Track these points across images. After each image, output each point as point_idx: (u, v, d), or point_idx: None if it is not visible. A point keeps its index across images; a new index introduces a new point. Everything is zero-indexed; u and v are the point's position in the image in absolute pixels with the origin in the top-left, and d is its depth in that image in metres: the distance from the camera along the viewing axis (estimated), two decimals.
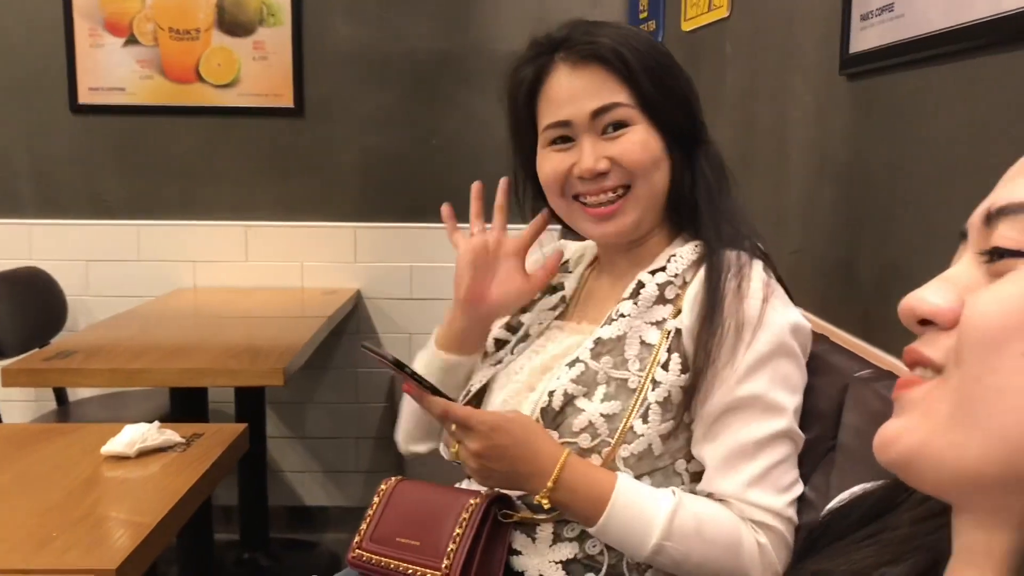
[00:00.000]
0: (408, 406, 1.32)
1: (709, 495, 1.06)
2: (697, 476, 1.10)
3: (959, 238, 0.52)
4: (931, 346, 0.47)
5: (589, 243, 1.29)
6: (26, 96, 2.94)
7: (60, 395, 2.80)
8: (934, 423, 0.45)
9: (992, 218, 0.48)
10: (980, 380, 0.44)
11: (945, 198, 1.09)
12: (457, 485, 1.24)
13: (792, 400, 1.06)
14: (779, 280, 1.12)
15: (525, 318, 1.29)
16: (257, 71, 2.94)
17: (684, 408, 1.07)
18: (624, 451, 1.07)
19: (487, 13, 2.98)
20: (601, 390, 1.09)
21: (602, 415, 1.08)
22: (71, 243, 2.98)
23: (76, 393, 2.86)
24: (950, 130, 1.08)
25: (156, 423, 1.40)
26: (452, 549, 1.05)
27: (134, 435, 1.35)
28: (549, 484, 1.04)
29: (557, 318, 1.25)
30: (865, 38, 1.26)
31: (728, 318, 1.05)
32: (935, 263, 1.11)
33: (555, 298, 1.28)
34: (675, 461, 1.10)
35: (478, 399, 1.25)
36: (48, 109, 2.95)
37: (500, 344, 1.29)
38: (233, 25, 2.92)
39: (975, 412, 0.44)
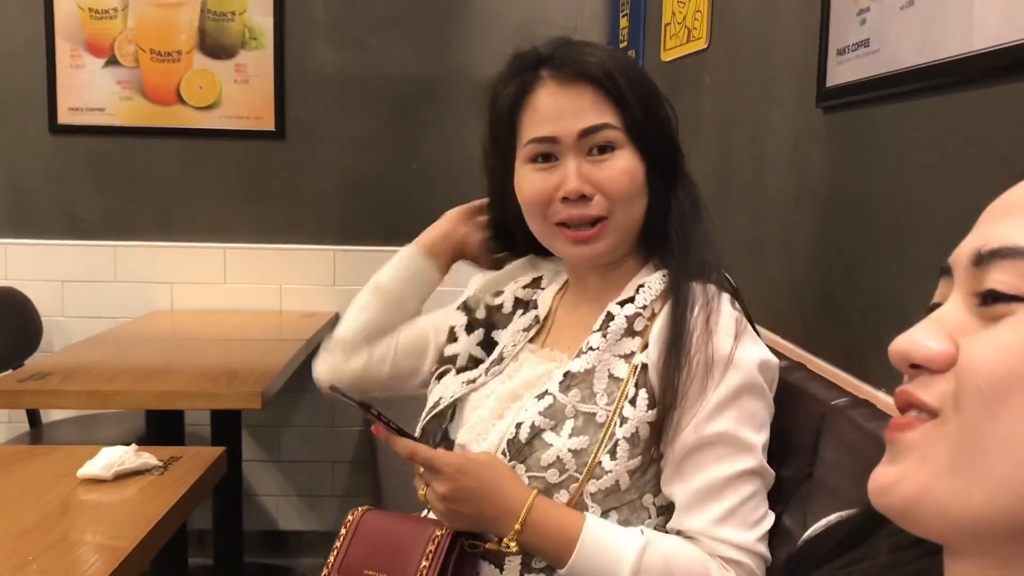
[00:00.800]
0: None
1: (678, 533, 1.06)
2: (664, 510, 1.09)
3: (939, 273, 0.52)
4: (925, 390, 0.47)
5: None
6: (5, 116, 2.93)
7: (33, 417, 2.77)
8: (933, 469, 0.45)
9: (984, 259, 0.47)
10: (981, 428, 0.44)
11: (920, 229, 1.11)
12: (425, 513, 1.24)
13: (760, 437, 1.06)
14: (746, 314, 1.12)
15: (499, 337, 1.28)
16: (238, 94, 2.95)
17: (652, 444, 1.06)
18: (592, 486, 1.07)
19: (467, 39, 3.00)
20: (569, 424, 1.08)
21: (570, 450, 1.07)
22: (47, 263, 2.96)
23: (49, 415, 2.83)
24: (924, 163, 1.10)
25: (133, 446, 1.40)
26: None
27: (111, 458, 1.34)
28: (516, 527, 1.03)
29: (531, 340, 1.24)
30: (841, 72, 1.29)
31: (696, 354, 1.04)
32: (911, 292, 1.13)
33: (529, 317, 1.26)
34: (643, 495, 1.09)
35: (444, 418, 1.24)
36: (27, 129, 2.94)
37: (474, 362, 1.28)
38: (215, 48, 2.93)
39: (977, 460, 0.44)
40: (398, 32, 2.98)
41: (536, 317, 1.26)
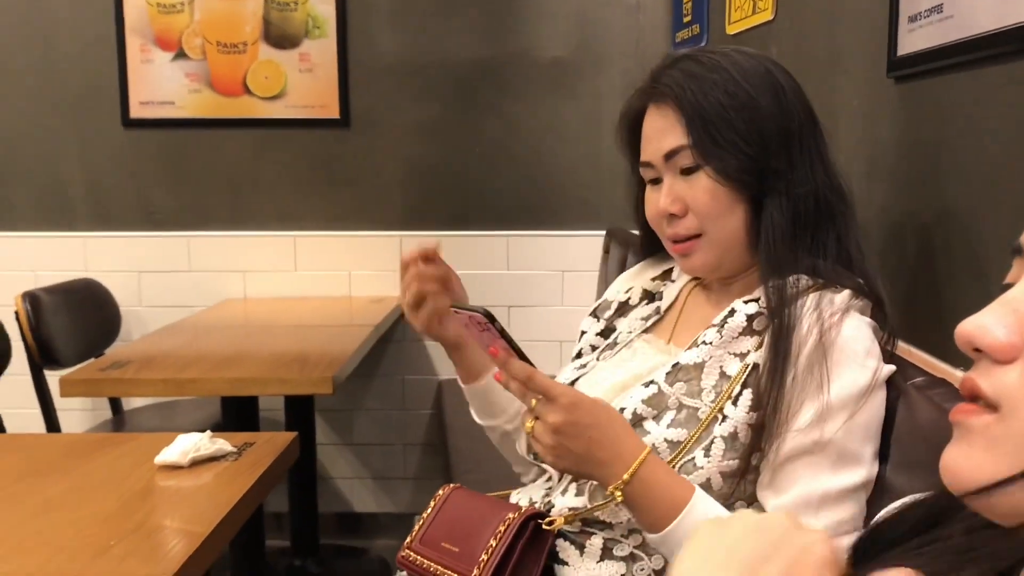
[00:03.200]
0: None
1: None
2: None
3: (1012, 252, 0.50)
4: (987, 378, 0.46)
5: None
6: (79, 111, 3.01)
7: (115, 404, 2.86)
8: (1000, 462, 0.45)
9: None
10: None
11: (997, 201, 1.07)
12: (512, 498, 1.25)
13: (868, 448, 1.02)
14: (886, 325, 1.08)
15: (618, 323, 1.29)
16: (303, 83, 2.98)
17: (752, 449, 1.04)
18: None
19: (528, 21, 2.99)
20: (670, 415, 1.07)
21: (666, 440, 1.06)
22: (124, 255, 3.04)
23: (130, 402, 2.92)
24: (1000, 133, 1.06)
25: (208, 432, 1.42)
26: (484, 559, 1.06)
27: (187, 445, 1.37)
28: (625, 476, 1.00)
29: (647, 330, 1.24)
30: (913, 40, 1.25)
31: (802, 359, 1.01)
32: (987, 267, 1.09)
33: (650, 308, 1.27)
34: (735, 501, 1.07)
35: None
36: (101, 124, 3.01)
37: (593, 349, 1.30)
38: (280, 38, 2.96)
39: None
40: (459, 16, 2.98)
41: (658, 308, 1.26)
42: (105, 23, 2.96)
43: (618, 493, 1.00)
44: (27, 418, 2.54)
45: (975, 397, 0.47)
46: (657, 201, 1.14)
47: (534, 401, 1.03)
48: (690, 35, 2.43)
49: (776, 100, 1.10)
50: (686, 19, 2.47)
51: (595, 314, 1.34)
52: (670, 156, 1.11)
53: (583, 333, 1.34)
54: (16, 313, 2.49)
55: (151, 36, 2.97)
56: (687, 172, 1.11)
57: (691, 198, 1.11)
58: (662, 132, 1.12)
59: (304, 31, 2.96)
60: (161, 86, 2.99)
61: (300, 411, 2.74)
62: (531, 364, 1.03)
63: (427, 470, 3.14)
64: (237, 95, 2.99)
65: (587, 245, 2.99)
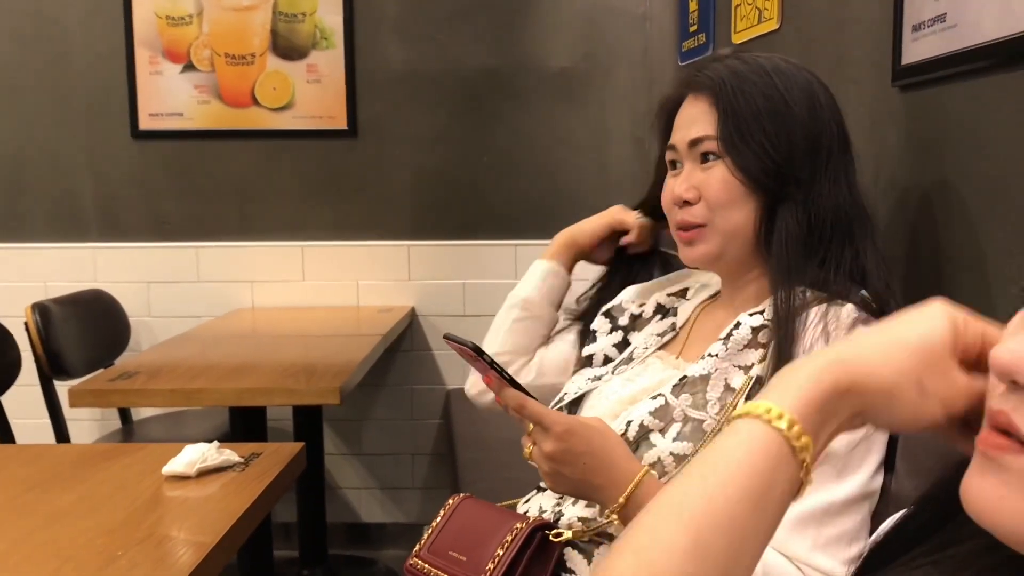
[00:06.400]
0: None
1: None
2: None
3: None
4: (1021, 414, 0.45)
5: (715, 276, 1.28)
6: (90, 123, 3.03)
7: (124, 414, 2.87)
8: None
9: None
10: None
11: (1002, 211, 1.07)
12: (521, 506, 1.26)
13: (873, 459, 1.02)
14: None
15: (634, 339, 1.29)
16: (311, 94, 2.99)
17: None
18: None
19: (535, 30, 3.00)
20: (675, 427, 1.07)
21: (672, 453, 1.06)
22: (133, 265, 3.06)
23: (139, 411, 2.93)
24: (1005, 140, 1.06)
25: (215, 443, 1.43)
26: (490, 568, 1.07)
27: (194, 455, 1.38)
28: (621, 500, 1.01)
29: (662, 347, 1.25)
30: (917, 49, 1.25)
31: None
32: (992, 277, 1.08)
33: (666, 323, 1.27)
34: None
35: (569, 411, 1.26)
36: (110, 135, 3.03)
37: (607, 361, 1.31)
38: (287, 49, 2.98)
39: None
40: (466, 26, 2.99)
41: (673, 324, 1.27)
42: (115, 35, 2.99)
43: (615, 517, 1.02)
44: (37, 428, 2.56)
45: (1007, 431, 0.46)
46: (673, 187, 1.17)
47: (531, 426, 1.05)
48: (696, 44, 2.43)
49: (811, 113, 1.11)
50: (692, 28, 2.48)
51: (609, 316, 1.35)
52: (694, 143, 1.14)
53: (593, 332, 1.35)
54: (26, 324, 2.50)
55: (160, 48, 2.99)
56: (707, 161, 1.13)
57: (705, 186, 1.13)
58: (693, 120, 1.15)
59: (312, 42, 2.98)
60: (170, 97, 3.00)
61: (308, 421, 2.75)
62: (525, 391, 1.05)
63: (435, 480, 3.14)
64: (245, 106, 3.00)
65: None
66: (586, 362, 1.33)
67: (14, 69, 3.02)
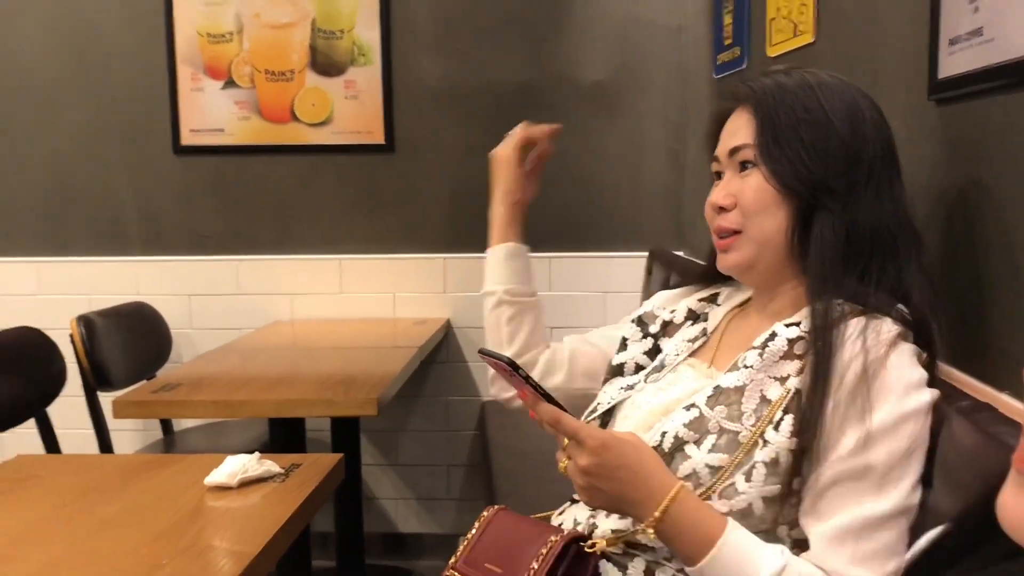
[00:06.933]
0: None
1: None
2: (801, 544, 1.05)
3: None
4: None
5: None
6: (133, 139, 3.10)
7: (166, 424, 2.92)
8: None
9: None
10: None
11: None
12: (556, 518, 1.26)
13: (912, 474, 1.01)
14: (930, 354, 1.07)
15: (664, 345, 1.30)
16: (349, 109, 3.03)
17: (793, 474, 1.03)
18: (723, 507, 1.04)
19: (569, 44, 3.02)
20: (711, 439, 1.07)
21: (707, 465, 1.06)
22: (175, 278, 3.11)
23: (180, 422, 2.97)
24: None
25: (256, 454, 1.45)
26: None
27: (235, 466, 1.40)
28: (656, 514, 1.01)
29: (693, 353, 1.25)
30: (954, 63, 1.24)
31: (844, 383, 1.01)
32: None
33: (696, 329, 1.28)
34: (778, 526, 1.06)
35: (602, 422, 1.26)
36: (153, 151, 3.09)
37: (639, 369, 1.31)
38: (326, 65, 3.02)
39: None
40: (500, 41, 3.02)
41: (704, 330, 1.27)
42: (157, 53, 3.05)
43: (650, 531, 1.02)
44: (81, 438, 2.60)
45: None
46: (713, 194, 1.19)
47: (566, 440, 1.06)
48: (731, 58, 2.44)
49: (852, 126, 1.12)
50: (727, 42, 2.48)
51: (640, 323, 1.35)
52: (733, 152, 1.16)
53: (624, 341, 1.35)
54: (71, 336, 2.56)
55: (201, 65, 3.04)
56: (744, 169, 1.15)
57: (741, 193, 1.15)
58: (735, 130, 1.17)
59: (350, 59, 3.02)
60: (211, 114, 3.06)
61: (346, 432, 2.77)
62: (559, 406, 1.06)
63: (471, 491, 3.15)
64: (285, 122, 3.05)
65: (629, 266, 2.99)
66: (616, 371, 1.33)
67: (60, 87, 3.09)
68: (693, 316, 1.31)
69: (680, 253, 2.94)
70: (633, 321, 1.36)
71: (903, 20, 1.46)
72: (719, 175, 1.21)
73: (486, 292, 1.51)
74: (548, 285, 3.04)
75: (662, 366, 1.26)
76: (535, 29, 3.01)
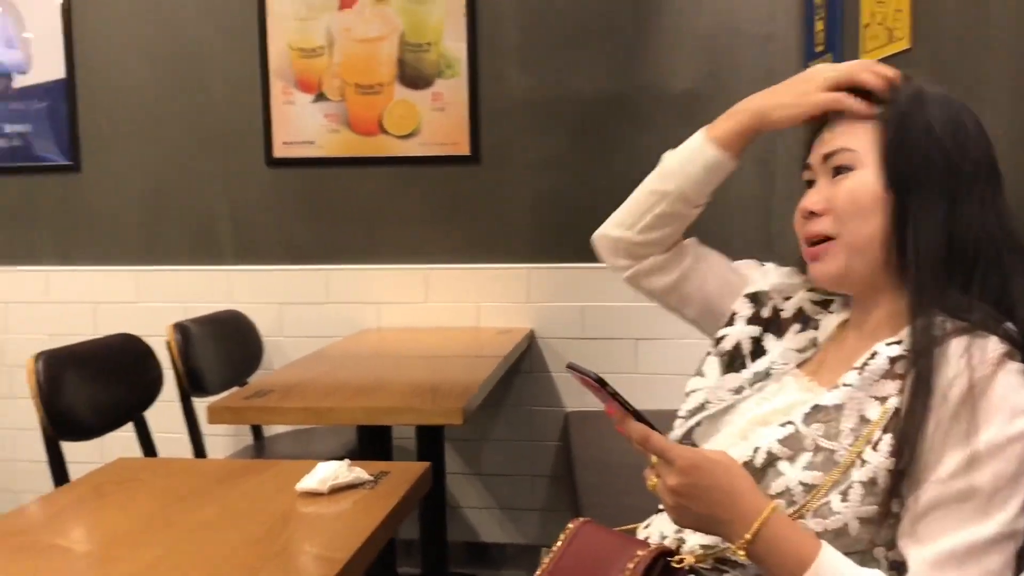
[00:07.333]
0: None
1: None
2: (898, 566, 1.03)
3: None
4: None
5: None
6: (228, 152, 3.19)
7: (256, 429, 2.99)
8: None
9: None
10: None
11: None
12: (641, 531, 1.25)
13: (1018, 497, 0.97)
14: None
15: (769, 344, 1.27)
16: (436, 121, 3.07)
17: (892, 495, 1.01)
18: (817, 526, 1.02)
19: (657, 53, 3.00)
20: (806, 457, 1.05)
21: (801, 483, 1.04)
22: (266, 287, 3.19)
23: (270, 427, 3.04)
24: None
25: (347, 461, 1.48)
26: None
27: (326, 473, 1.43)
28: (747, 536, 0.99)
29: (800, 364, 1.23)
30: None
31: (946, 402, 0.98)
32: None
33: (805, 338, 1.25)
34: (874, 547, 1.04)
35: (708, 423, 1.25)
36: (246, 163, 3.18)
37: (736, 356, 1.27)
38: (414, 78, 3.07)
39: None
40: (587, 50, 3.02)
41: (814, 340, 1.24)
42: (251, 68, 3.14)
43: (741, 552, 1.00)
44: (174, 442, 2.68)
45: None
46: (803, 200, 1.16)
47: (654, 458, 1.04)
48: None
49: (952, 135, 1.09)
50: (818, 48, 2.44)
51: (755, 301, 1.31)
52: (827, 157, 1.14)
53: (732, 315, 1.31)
54: (167, 343, 2.64)
55: (293, 79, 3.12)
56: (838, 174, 1.12)
57: (834, 198, 1.12)
58: (831, 137, 1.15)
59: (437, 71, 3.06)
60: (302, 126, 3.13)
61: (430, 440, 2.80)
62: (648, 423, 1.04)
63: (554, 502, 3.15)
64: (373, 134, 3.10)
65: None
66: (717, 341, 1.30)
67: (159, 104, 3.21)
68: (803, 320, 1.27)
69: (769, 264, 2.89)
70: (747, 296, 1.32)
71: (1007, 22, 1.41)
72: (810, 183, 1.18)
73: (663, 172, 1.41)
74: (634, 295, 3.01)
75: (767, 373, 1.23)
76: (621, 39, 3.01)
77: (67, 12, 3.23)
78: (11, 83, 3.29)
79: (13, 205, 3.35)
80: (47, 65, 3.26)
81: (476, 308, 3.13)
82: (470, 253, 3.12)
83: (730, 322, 1.32)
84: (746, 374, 1.25)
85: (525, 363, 3.09)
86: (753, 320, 1.30)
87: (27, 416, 2.11)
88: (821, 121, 1.19)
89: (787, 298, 1.30)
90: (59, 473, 1.99)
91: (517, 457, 3.16)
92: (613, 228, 1.44)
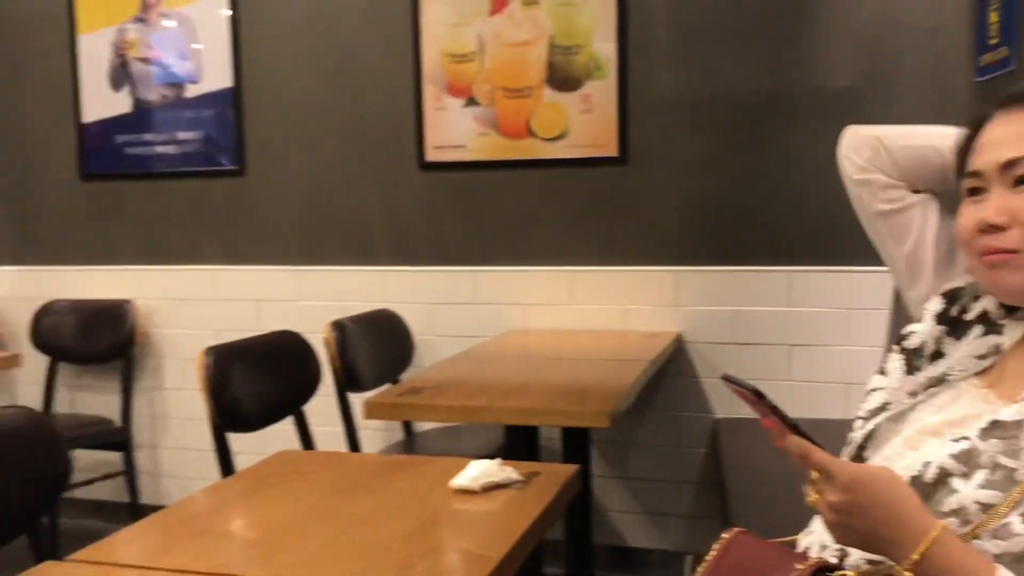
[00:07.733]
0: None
1: None
2: None
3: None
4: None
5: None
6: (383, 156, 3.29)
7: (407, 425, 3.07)
8: None
9: None
10: None
11: None
12: (799, 543, 1.21)
13: None
14: None
15: (948, 348, 1.21)
16: (584, 123, 3.07)
17: None
18: (995, 547, 0.96)
19: (814, 49, 2.90)
20: (982, 474, 0.99)
21: (977, 502, 0.98)
22: (418, 287, 3.27)
23: (419, 424, 3.12)
24: None
25: (498, 460, 1.50)
26: None
27: (480, 471, 1.45)
28: (915, 556, 0.94)
29: (978, 373, 1.16)
30: None
31: None
32: None
33: (987, 343, 1.18)
34: None
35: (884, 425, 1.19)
36: (400, 167, 3.27)
37: (914, 355, 1.22)
38: (562, 81, 3.08)
39: None
40: (738, 49, 2.95)
41: (997, 347, 1.17)
42: (405, 74, 3.22)
43: (908, 574, 0.95)
44: (330, 436, 2.78)
45: None
46: (975, 212, 1.08)
47: (814, 473, 1.00)
48: (997, 59, 2.26)
49: None
50: (992, 41, 2.30)
51: (949, 300, 1.24)
52: (1009, 166, 1.06)
53: (924, 310, 1.25)
54: (325, 340, 2.74)
55: (444, 84, 3.19)
56: (1021, 183, 1.05)
57: (1020, 210, 1.04)
58: (1003, 140, 1.07)
59: (586, 73, 3.05)
60: (453, 131, 3.19)
61: (577, 442, 2.80)
62: (807, 437, 1.00)
63: (701, 509, 3.09)
64: (521, 137, 3.13)
65: (877, 282, 2.83)
66: (902, 337, 1.24)
67: (319, 111, 3.35)
68: (988, 322, 1.19)
69: None
70: (944, 294, 1.25)
71: None
72: (973, 191, 1.10)
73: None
74: (788, 300, 2.94)
75: (942, 379, 1.17)
76: (776, 34, 2.92)
77: (235, 24, 3.40)
78: (184, 92, 3.49)
79: (185, 207, 3.56)
80: (216, 75, 3.44)
81: (622, 311, 3.11)
82: (616, 255, 3.11)
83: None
84: (920, 377, 1.19)
85: (672, 367, 3.05)
86: (941, 318, 1.23)
87: (197, 407, 2.23)
88: (982, 123, 1.11)
89: (976, 297, 1.22)
90: (225, 462, 2.09)
91: (663, 462, 3.12)
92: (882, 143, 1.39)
